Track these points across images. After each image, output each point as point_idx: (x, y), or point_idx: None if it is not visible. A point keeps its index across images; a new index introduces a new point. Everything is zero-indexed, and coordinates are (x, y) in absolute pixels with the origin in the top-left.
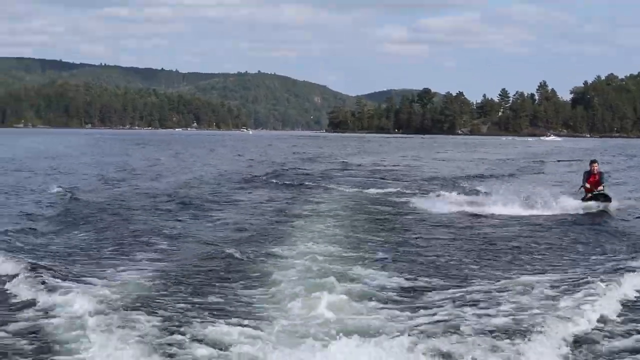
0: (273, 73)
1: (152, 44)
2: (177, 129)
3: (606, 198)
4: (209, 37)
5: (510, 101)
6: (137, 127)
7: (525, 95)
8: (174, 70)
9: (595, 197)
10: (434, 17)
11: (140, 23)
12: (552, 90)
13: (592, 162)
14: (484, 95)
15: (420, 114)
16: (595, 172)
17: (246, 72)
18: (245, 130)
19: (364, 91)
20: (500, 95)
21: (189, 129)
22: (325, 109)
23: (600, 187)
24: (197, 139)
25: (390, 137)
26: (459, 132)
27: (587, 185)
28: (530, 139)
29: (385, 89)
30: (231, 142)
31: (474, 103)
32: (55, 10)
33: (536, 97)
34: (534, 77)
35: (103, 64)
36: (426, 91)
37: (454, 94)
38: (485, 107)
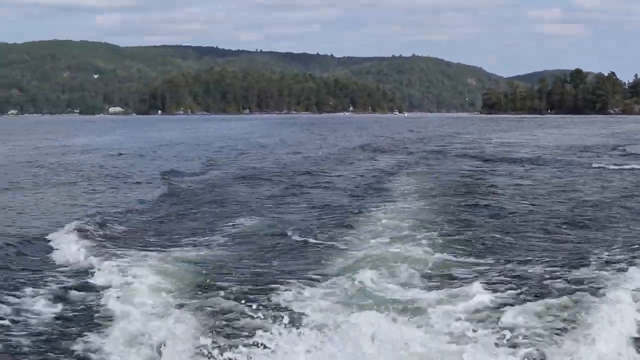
0: (427, 56)
1: (307, 29)
2: (335, 113)
3: None
4: (363, 21)
5: None
6: (294, 112)
7: None
8: (329, 54)
9: None
10: None
11: (294, 9)
12: None
13: None
14: (636, 75)
15: (573, 94)
16: None
17: (400, 55)
18: (397, 113)
19: (518, 72)
20: None
21: (345, 112)
22: (479, 91)
23: None
24: (359, 122)
25: (544, 117)
26: (611, 111)
27: None
28: None
29: (539, 70)
30: (388, 123)
31: (626, 83)
32: None
33: None
34: None
35: (259, 50)
36: (578, 71)
37: (606, 74)
38: (638, 87)
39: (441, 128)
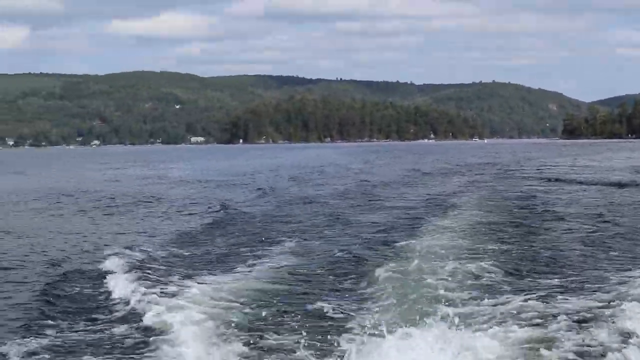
0: (507, 82)
1: (386, 57)
2: (416, 140)
3: None
4: (442, 47)
5: None
6: (375, 140)
7: None
8: (409, 82)
9: None
10: None
11: (373, 37)
12: None
13: None
14: None
15: None
16: None
17: (480, 81)
18: (477, 139)
19: (599, 97)
20: None
21: (427, 140)
22: (561, 116)
23: None
24: (439, 149)
25: (623, 142)
26: None
27: None
28: None
29: (622, 94)
30: (467, 149)
31: None
32: (287, 28)
33: None
34: None
35: (339, 79)
36: None
37: None
38: None
39: (516, 154)
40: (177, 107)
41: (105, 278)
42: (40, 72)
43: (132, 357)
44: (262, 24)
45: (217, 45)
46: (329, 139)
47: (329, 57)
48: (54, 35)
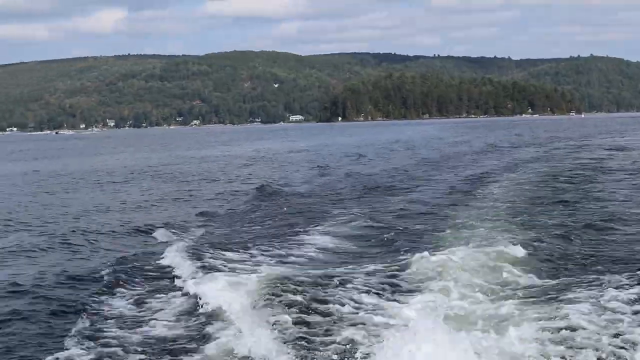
0: (605, 55)
1: (483, 32)
2: (513, 116)
3: None
4: (539, 22)
5: None
6: (472, 116)
7: None
8: (506, 57)
9: None
10: None
11: (470, 13)
12: None
13: None
14: None
15: None
16: None
17: (578, 56)
18: (574, 114)
19: None
20: None
21: (524, 115)
22: None
23: None
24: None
25: None
26: None
27: None
28: None
29: None
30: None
31: None
32: (384, 6)
33: None
34: None
35: (436, 55)
36: None
37: None
38: None
39: (608, 126)
40: (276, 86)
41: (164, 250)
42: (141, 54)
43: (189, 330)
44: (358, 1)
45: (314, 24)
46: (427, 115)
47: (426, 34)
48: (152, 17)
